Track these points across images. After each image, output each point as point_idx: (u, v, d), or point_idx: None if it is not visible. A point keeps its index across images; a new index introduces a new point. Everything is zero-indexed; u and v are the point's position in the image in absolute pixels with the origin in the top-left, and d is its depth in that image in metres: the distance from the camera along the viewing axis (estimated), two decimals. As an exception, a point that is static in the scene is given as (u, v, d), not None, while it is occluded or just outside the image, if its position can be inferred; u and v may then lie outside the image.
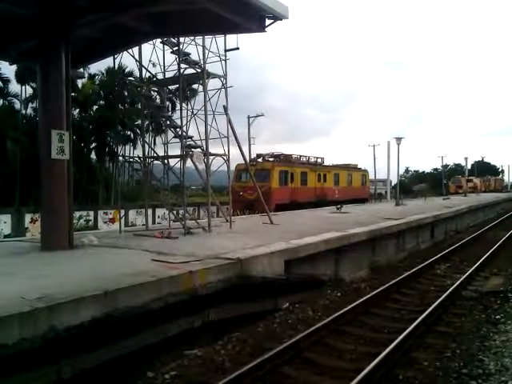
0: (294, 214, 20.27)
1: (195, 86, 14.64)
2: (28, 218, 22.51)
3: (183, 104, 12.89)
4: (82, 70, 15.55)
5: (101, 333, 5.29)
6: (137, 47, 12.44)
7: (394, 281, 9.93)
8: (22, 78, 33.50)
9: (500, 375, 5.25)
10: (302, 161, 33.03)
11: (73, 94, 25.49)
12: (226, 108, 12.89)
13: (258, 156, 31.09)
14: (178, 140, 12.26)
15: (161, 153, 13.08)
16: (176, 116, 14.40)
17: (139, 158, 13.32)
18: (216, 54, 12.26)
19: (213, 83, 12.60)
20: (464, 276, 10.39)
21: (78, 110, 37.27)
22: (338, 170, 36.97)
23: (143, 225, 15.08)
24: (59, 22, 9.12)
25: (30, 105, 36.51)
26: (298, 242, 9.72)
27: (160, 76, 13.07)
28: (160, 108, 13.25)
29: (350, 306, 7.78)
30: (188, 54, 12.02)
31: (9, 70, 34.28)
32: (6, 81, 34.60)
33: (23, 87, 35.47)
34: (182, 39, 11.77)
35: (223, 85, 12.50)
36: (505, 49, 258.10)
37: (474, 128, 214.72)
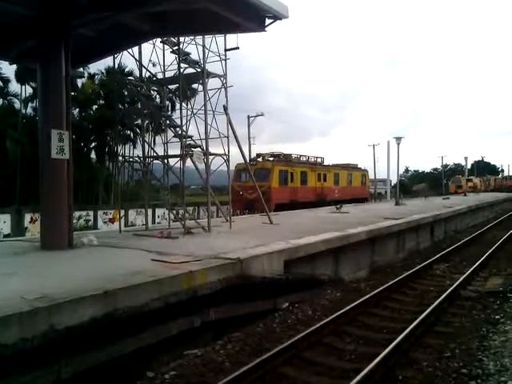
0: (293, 213, 20.28)
1: (195, 86, 14.60)
2: (28, 217, 22.48)
3: (183, 103, 12.87)
4: (81, 69, 15.53)
5: (100, 333, 5.29)
6: (137, 47, 12.43)
7: (393, 281, 9.92)
8: (21, 78, 33.42)
9: (499, 375, 5.25)
10: (301, 160, 33.02)
11: (72, 93, 25.42)
12: (225, 108, 12.88)
13: (258, 155, 31.03)
14: (177, 139, 12.25)
15: (161, 152, 13.08)
16: (176, 115, 14.43)
17: (139, 157, 13.32)
18: (216, 53, 12.26)
19: (213, 83, 12.61)
20: (463, 276, 10.37)
21: (77, 110, 37.21)
22: (337, 169, 36.94)
23: (143, 225, 15.08)
24: (58, 21, 9.12)
25: (29, 104, 36.43)
26: (297, 241, 9.72)
27: (160, 75, 13.08)
28: (160, 107, 13.25)
29: (349, 306, 7.78)
30: (188, 54, 12.02)
31: (9, 69, 34.30)
32: (6, 80, 34.60)
33: (23, 87, 35.46)
34: (181, 39, 11.77)
35: (223, 84, 12.50)
36: (505, 48, 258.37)
37: (473, 128, 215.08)
